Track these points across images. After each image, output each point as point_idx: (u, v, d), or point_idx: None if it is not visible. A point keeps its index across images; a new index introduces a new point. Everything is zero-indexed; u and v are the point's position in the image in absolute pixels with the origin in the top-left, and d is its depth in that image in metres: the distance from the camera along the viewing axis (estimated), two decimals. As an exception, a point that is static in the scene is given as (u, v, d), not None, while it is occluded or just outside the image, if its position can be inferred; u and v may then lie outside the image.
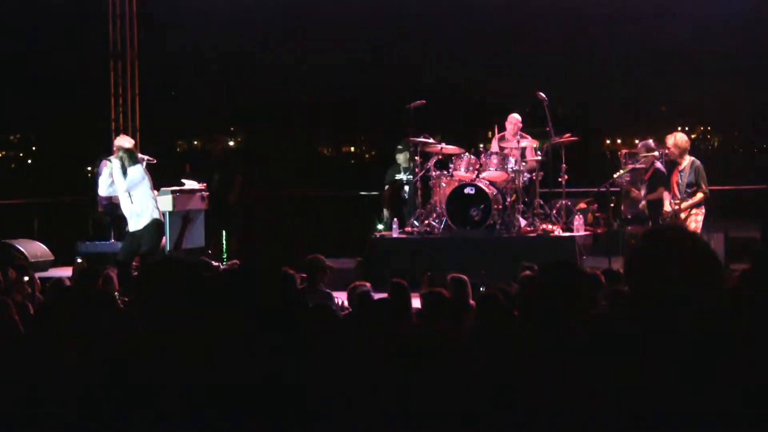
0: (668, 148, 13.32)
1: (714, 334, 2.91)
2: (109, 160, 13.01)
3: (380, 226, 15.80)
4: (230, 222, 15.85)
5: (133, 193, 12.71)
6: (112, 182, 12.83)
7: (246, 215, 17.17)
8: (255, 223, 17.60)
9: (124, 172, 12.70)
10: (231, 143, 37.69)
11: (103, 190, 13.27)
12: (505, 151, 14.84)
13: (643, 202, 13.90)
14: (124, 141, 13.97)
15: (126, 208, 12.84)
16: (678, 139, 13.20)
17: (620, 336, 3.08)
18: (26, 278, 10.66)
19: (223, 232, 16.43)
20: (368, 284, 9.28)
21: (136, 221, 12.77)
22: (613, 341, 3.12)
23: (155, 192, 13.13)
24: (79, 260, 13.65)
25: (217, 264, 14.68)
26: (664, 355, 2.90)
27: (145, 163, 13.00)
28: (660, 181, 13.59)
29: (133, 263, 12.82)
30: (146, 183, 12.82)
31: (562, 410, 3.19)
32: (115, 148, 14.14)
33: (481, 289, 9.73)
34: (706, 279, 2.93)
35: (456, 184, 14.48)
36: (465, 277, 9.12)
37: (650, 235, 3.25)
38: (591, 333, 3.97)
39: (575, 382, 3.18)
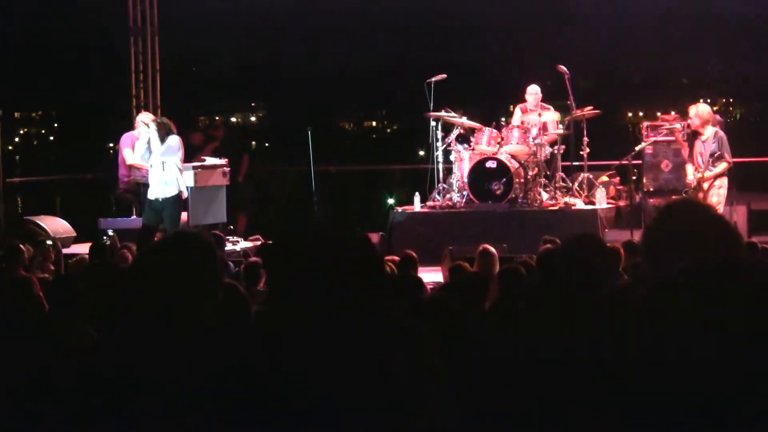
0: (690, 119, 13.28)
1: (733, 308, 2.88)
2: (147, 125, 13.04)
3: (391, 201, 15.75)
4: (240, 200, 15.80)
5: (167, 161, 12.71)
6: (149, 148, 12.85)
7: (255, 193, 17.20)
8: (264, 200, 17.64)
9: (162, 139, 12.73)
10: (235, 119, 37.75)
11: (137, 157, 13.30)
12: (527, 125, 14.76)
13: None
14: (147, 117, 13.98)
15: (155, 176, 12.78)
16: (700, 109, 13.16)
17: (640, 310, 3.06)
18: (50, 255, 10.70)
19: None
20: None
21: (164, 189, 12.72)
22: (633, 315, 3.10)
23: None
24: (111, 233, 13.68)
25: (237, 239, 14.74)
26: (683, 329, 2.88)
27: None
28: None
29: (156, 233, 12.79)
30: (180, 155, 12.86)
31: (580, 386, 3.17)
32: (136, 125, 14.17)
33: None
34: (724, 252, 2.91)
35: (477, 158, 14.42)
36: (493, 250, 9.10)
37: (665, 209, 3.23)
38: (612, 306, 3.95)
39: (596, 356, 3.17)
